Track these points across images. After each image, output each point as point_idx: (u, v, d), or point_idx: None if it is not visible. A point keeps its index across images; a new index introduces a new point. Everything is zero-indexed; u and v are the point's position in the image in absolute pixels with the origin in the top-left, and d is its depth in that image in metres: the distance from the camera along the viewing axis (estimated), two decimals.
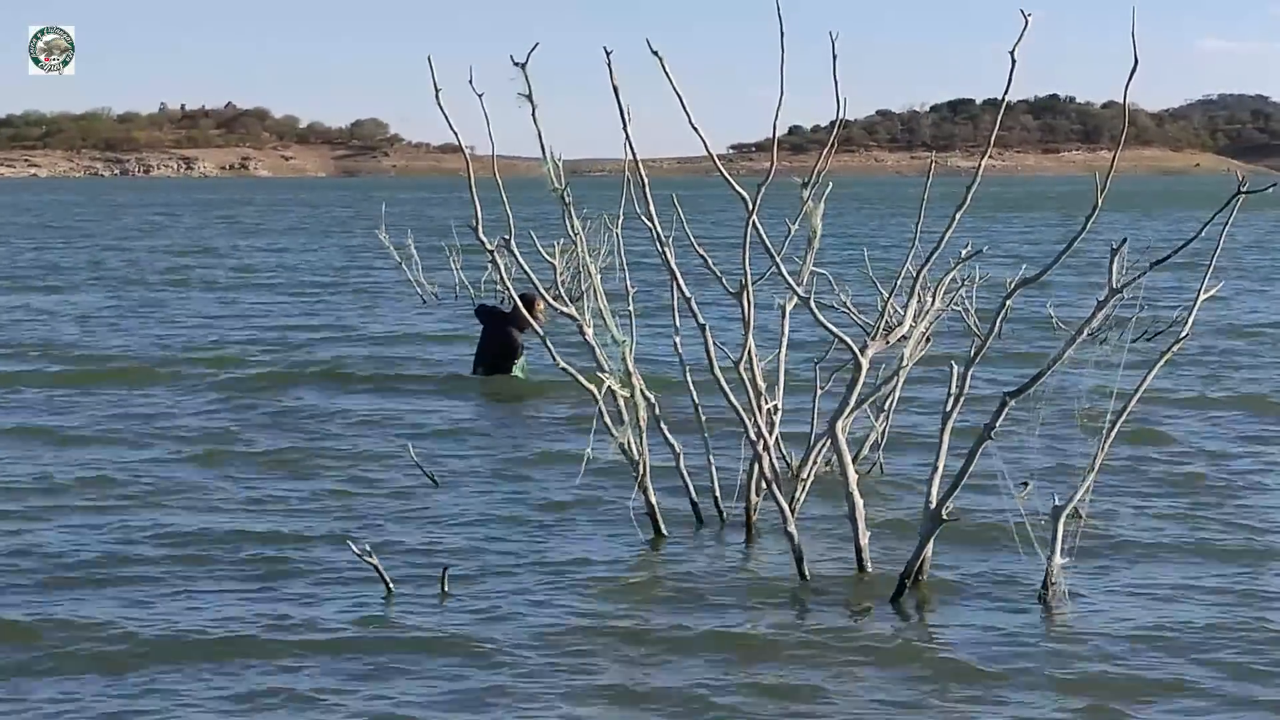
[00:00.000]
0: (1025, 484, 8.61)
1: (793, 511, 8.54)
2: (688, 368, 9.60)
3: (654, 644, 7.31)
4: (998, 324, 8.29)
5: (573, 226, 9.35)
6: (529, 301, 11.78)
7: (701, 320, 9.04)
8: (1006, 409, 7.77)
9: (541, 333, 9.52)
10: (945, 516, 7.89)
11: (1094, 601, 7.93)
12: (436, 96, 8.59)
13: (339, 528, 9.43)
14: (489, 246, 9.09)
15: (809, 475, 9.45)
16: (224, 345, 19.13)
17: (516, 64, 8.55)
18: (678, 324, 9.60)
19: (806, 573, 8.32)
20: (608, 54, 8.50)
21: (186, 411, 13.86)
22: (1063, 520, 7.78)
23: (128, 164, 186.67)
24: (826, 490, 9.87)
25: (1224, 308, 22.57)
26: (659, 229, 9.04)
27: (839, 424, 8.31)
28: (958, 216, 8.19)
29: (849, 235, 44.91)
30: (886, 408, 10.57)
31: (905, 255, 9.59)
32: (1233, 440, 12.51)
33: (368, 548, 8.13)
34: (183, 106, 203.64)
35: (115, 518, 9.76)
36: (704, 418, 9.64)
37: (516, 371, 15.42)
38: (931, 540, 8.05)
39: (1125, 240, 8.02)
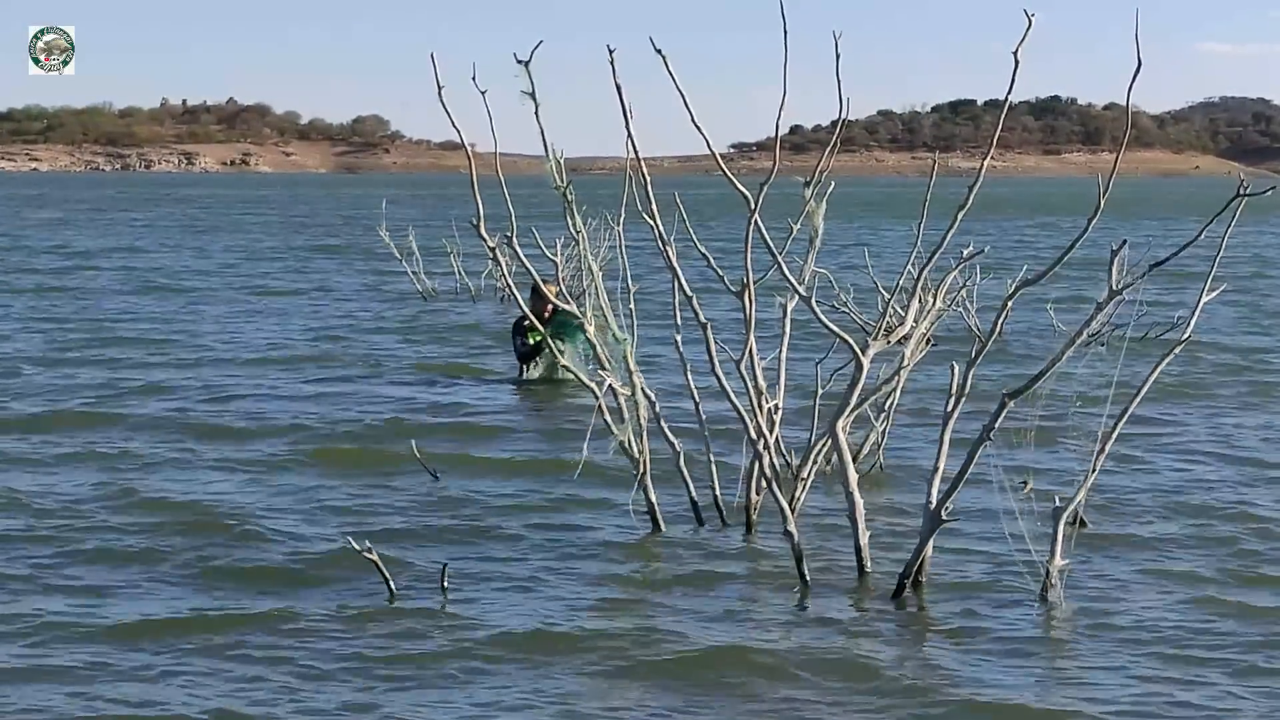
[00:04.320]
0: (1025, 483, 8.63)
1: (793, 511, 8.54)
2: (688, 366, 9.61)
3: (653, 643, 7.31)
4: (998, 325, 8.29)
5: (574, 224, 9.36)
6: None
7: (703, 319, 9.04)
8: (1006, 409, 7.77)
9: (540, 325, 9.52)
10: (945, 516, 7.90)
11: (1093, 602, 7.94)
12: (439, 93, 8.61)
13: (339, 525, 9.43)
14: (490, 244, 9.09)
15: (809, 475, 9.45)
16: (221, 346, 19.15)
17: (520, 61, 8.57)
18: (679, 322, 9.60)
19: (806, 572, 8.32)
20: (610, 52, 8.51)
21: (184, 410, 13.87)
22: (1063, 521, 7.78)
23: (129, 159, 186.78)
24: (826, 490, 9.88)
25: None
26: (660, 227, 9.04)
27: (839, 423, 8.32)
28: (959, 217, 8.19)
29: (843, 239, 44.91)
30: (887, 407, 10.58)
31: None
32: (1237, 434, 12.52)
33: (368, 545, 8.14)
34: (184, 102, 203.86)
35: (111, 515, 9.78)
36: (704, 416, 9.65)
37: (531, 353, 15.23)
38: (931, 540, 8.06)
39: (1125, 242, 8.02)
